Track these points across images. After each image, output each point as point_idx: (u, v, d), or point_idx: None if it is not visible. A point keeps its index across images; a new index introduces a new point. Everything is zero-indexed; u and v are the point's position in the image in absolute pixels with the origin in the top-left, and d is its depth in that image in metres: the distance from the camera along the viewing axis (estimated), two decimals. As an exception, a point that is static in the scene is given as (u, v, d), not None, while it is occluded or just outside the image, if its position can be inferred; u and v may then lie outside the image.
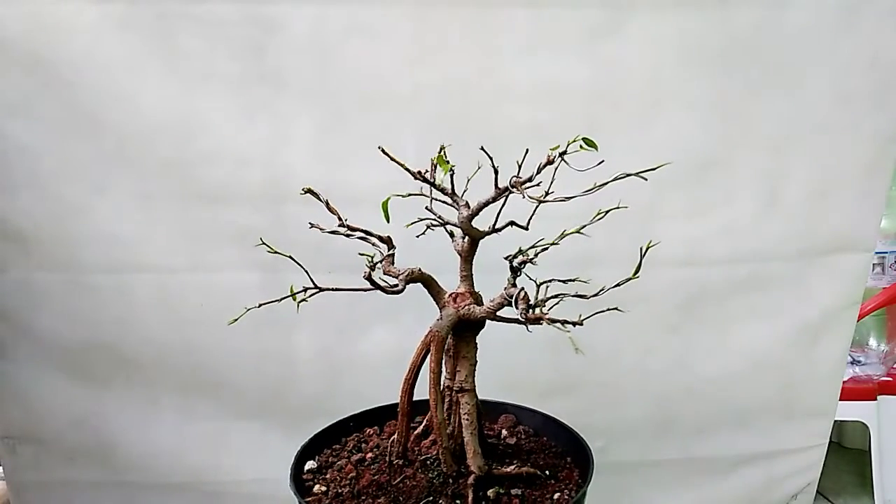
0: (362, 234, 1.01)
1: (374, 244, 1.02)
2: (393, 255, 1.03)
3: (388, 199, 0.98)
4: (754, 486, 1.93)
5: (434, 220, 1.11)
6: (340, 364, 1.74)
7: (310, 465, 1.15)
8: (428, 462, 1.10)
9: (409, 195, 1.04)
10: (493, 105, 1.59)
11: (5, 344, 1.68)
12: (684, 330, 1.78)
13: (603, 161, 0.88)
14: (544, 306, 0.94)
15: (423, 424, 1.19)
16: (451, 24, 1.55)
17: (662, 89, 1.61)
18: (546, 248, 1.03)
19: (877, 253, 2.16)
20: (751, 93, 1.62)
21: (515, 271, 1.01)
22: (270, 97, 1.56)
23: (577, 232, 0.98)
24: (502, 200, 0.97)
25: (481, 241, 1.08)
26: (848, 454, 2.48)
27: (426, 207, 1.10)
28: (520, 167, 0.93)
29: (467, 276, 1.10)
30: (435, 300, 1.08)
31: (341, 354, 1.73)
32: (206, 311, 1.66)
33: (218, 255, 1.64)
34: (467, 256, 1.09)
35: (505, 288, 1.00)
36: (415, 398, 1.11)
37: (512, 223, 1.01)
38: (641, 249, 0.92)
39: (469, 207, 1.02)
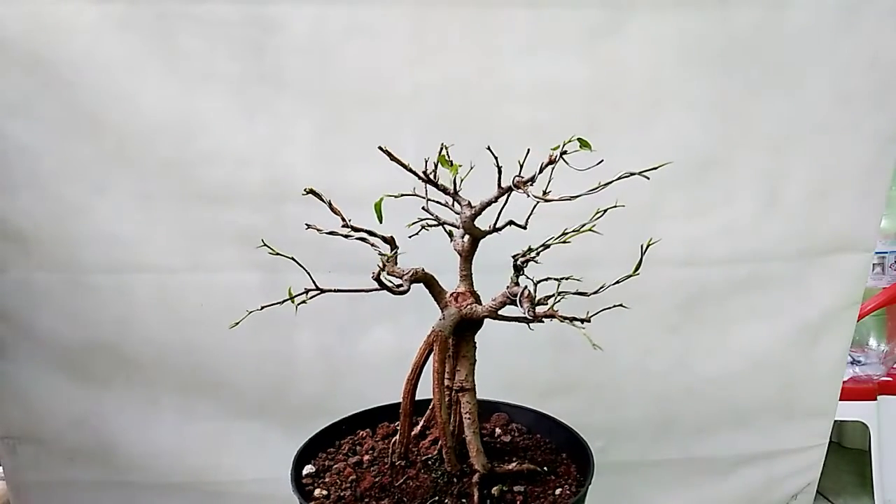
0: (362, 235, 1.01)
1: (374, 245, 1.02)
2: (396, 255, 1.03)
3: (381, 199, 0.98)
4: (754, 486, 1.94)
5: (432, 219, 1.11)
6: (340, 364, 1.74)
7: (308, 469, 1.14)
8: (429, 462, 1.10)
9: (402, 195, 1.04)
10: (493, 105, 1.59)
11: (5, 344, 1.68)
12: (684, 330, 1.78)
13: (602, 161, 0.88)
14: (546, 304, 0.94)
15: (421, 425, 1.19)
16: (451, 24, 1.55)
17: (662, 89, 1.61)
18: (548, 247, 1.03)
19: (877, 253, 2.16)
20: (751, 93, 1.62)
21: (519, 270, 1.01)
22: (270, 97, 1.56)
23: (590, 230, 0.98)
24: (503, 200, 0.98)
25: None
26: (848, 454, 2.49)
27: (423, 208, 1.10)
28: (521, 167, 0.93)
29: (467, 276, 1.10)
30: (436, 300, 1.08)
31: (341, 354, 1.73)
32: (206, 311, 1.66)
33: (218, 255, 1.64)
34: (468, 256, 1.09)
35: (507, 287, 1.00)
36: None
37: (511, 222, 1.01)
38: (642, 247, 0.92)
39: (471, 207, 1.02)
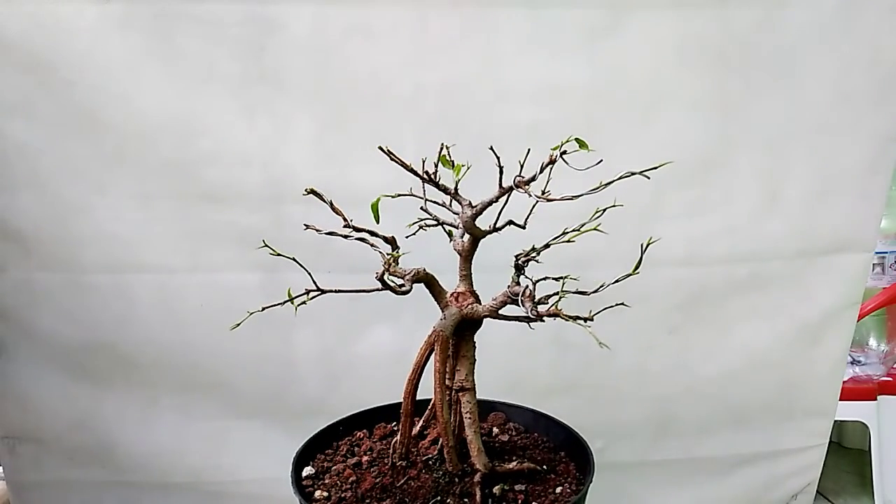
0: (363, 235, 1.01)
1: (374, 245, 1.02)
2: (398, 255, 1.03)
3: (378, 199, 0.98)
4: (754, 485, 1.94)
5: (431, 220, 1.11)
6: (340, 364, 1.74)
7: (307, 470, 1.14)
8: (430, 462, 1.10)
9: (399, 195, 1.04)
10: (493, 105, 1.60)
11: (5, 344, 1.68)
12: (684, 330, 1.78)
13: (602, 160, 0.88)
14: (547, 303, 0.94)
15: (420, 425, 1.19)
16: (451, 24, 1.55)
17: (662, 89, 1.61)
18: (549, 246, 1.03)
19: (877, 253, 2.16)
20: (751, 93, 1.62)
21: (520, 269, 1.01)
22: (270, 97, 1.56)
23: (594, 229, 0.98)
24: (503, 200, 0.98)
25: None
26: (848, 454, 2.49)
27: (421, 208, 1.10)
28: (521, 167, 0.93)
29: (467, 276, 1.10)
30: (436, 300, 1.08)
31: (341, 354, 1.73)
32: (205, 311, 1.66)
33: (218, 256, 1.64)
34: (468, 255, 1.09)
35: (508, 286, 1.00)
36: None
37: (511, 222, 1.01)
38: (642, 247, 0.92)
39: (472, 207, 1.02)
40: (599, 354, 1.70)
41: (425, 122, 1.58)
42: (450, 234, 1.12)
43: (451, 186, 1.02)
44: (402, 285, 0.98)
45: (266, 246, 0.98)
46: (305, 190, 0.96)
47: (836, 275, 1.75)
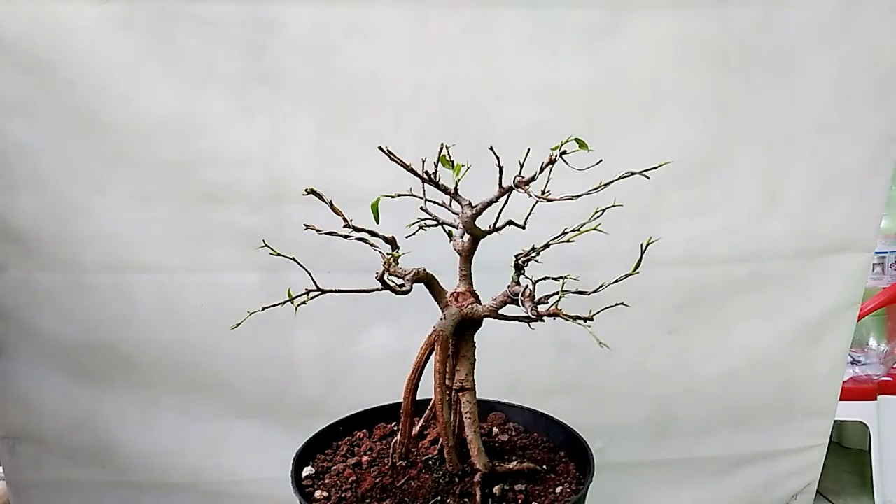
0: (363, 235, 1.01)
1: (374, 245, 1.02)
2: (398, 255, 1.03)
3: (378, 199, 0.98)
4: (754, 485, 1.94)
5: (430, 219, 1.11)
6: (340, 364, 1.74)
7: (307, 471, 1.14)
8: (430, 462, 1.10)
9: (398, 195, 1.04)
10: (492, 105, 1.60)
11: (5, 344, 1.68)
12: (684, 330, 1.78)
13: (601, 160, 0.88)
14: (547, 303, 0.94)
15: (420, 425, 1.19)
16: (450, 24, 1.55)
17: (662, 89, 1.61)
18: (548, 246, 1.03)
19: (877, 253, 2.16)
20: (751, 93, 1.62)
21: (520, 269, 1.01)
22: (270, 97, 1.56)
23: (594, 229, 0.98)
24: (503, 200, 0.98)
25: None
26: (848, 454, 2.49)
27: (421, 208, 1.10)
28: (521, 167, 0.93)
29: (467, 276, 1.10)
30: (436, 300, 1.08)
31: (341, 354, 1.73)
32: (205, 311, 1.66)
33: (218, 256, 1.64)
34: (467, 255, 1.09)
35: (508, 286, 1.00)
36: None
37: (511, 222, 1.01)
38: (642, 246, 0.92)
39: (472, 207, 1.02)
40: (599, 354, 1.70)
41: (425, 121, 1.58)
42: (450, 234, 1.12)
43: (451, 186, 1.02)
44: (402, 285, 0.98)
45: (266, 246, 0.98)
46: (305, 190, 0.96)
47: (836, 275, 1.75)
